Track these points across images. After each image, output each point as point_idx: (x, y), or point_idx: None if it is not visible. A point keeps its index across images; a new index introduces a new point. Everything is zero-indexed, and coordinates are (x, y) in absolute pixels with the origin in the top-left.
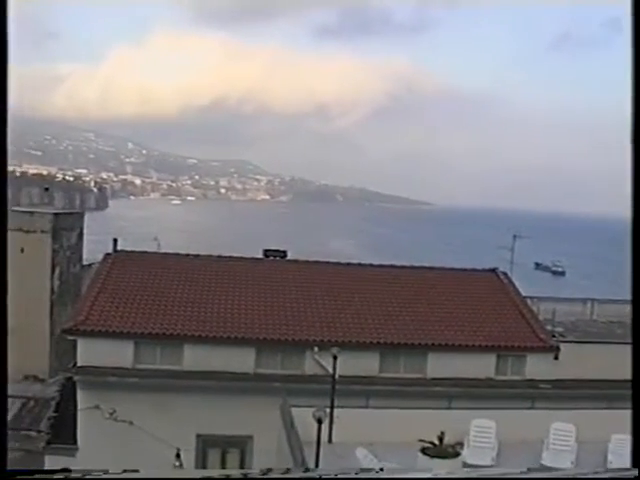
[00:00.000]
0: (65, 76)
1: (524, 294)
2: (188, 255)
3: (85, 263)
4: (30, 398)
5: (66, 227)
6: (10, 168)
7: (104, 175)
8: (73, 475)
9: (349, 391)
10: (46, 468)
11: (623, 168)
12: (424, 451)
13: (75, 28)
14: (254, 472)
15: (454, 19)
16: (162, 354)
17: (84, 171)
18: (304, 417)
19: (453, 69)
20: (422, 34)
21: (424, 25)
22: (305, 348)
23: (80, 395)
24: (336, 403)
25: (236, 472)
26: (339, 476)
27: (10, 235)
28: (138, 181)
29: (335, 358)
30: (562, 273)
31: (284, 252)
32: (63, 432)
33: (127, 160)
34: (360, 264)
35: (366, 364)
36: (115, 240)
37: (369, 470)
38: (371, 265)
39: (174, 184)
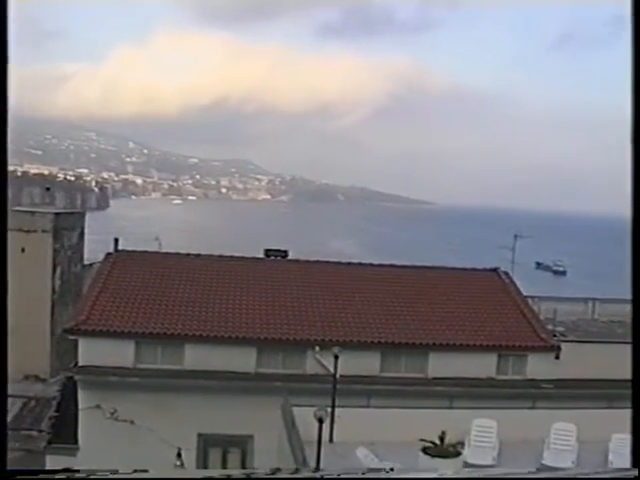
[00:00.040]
0: (67, 76)
1: (525, 294)
2: (189, 255)
3: (86, 263)
4: (31, 398)
5: (67, 227)
6: (11, 168)
7: (105, 175)
8: (77, 475)
9: (350, 390)
10: (47, 468)
11: (624, 167)
12: (425, 451)
13: (77, 28)
14: (257, 472)
15: (456, 19)
16: (163, 354)
17: (85, 171)
18: (305, 416)
19: (455, 69)
20: (424, 34)
21: (426, 25)
22: (306, 347)
23: (81, 395)
24: (337, 402)
25: (237, 472)
26: (342, 476)
27: (11, 235)
28: (139, 181)
29: (336, 357)
30: (563, 273)
31: (285, 252)
32: (64, 432)
33: (128, 160)
34: (361, 264)
35: (367, 363)
36: (116, 240)
37: (372, 470)
38: (372, 265)
39: (175, 184)
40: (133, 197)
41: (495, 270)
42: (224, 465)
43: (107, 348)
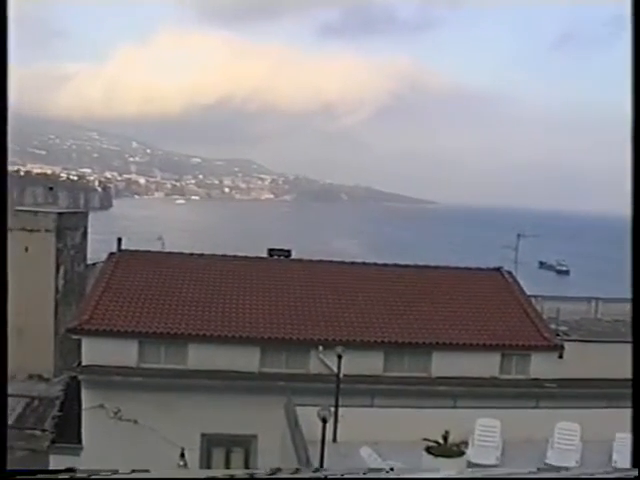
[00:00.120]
0: (69, 75)
1: (528, 293)
2: (192, 254)
3: (89, 262)
4: (34, 397)
5: (70, 226)
6: (14, 167)
7: (108, 174)
8: (79, 475)
9: (354, 390)
10: (50, 468)
11: (625, 166)
12: (429, 450)
13: (79, 27)
14: (259, 472)
15: (457, 18)
16: (167, 353)
17: (88, 170)
18: (309, 416)
19: (456, 68)
20: (426, 33)
21: (427, 24)
22: (310, 347)
23: (84, 394)
24: (341, 402)
25: (240, 472)
26: (345, 476)
27: (15, 234)
28: (142, 180)
29: (340, 357)
30: (566, 272)
31: (288, 251)
32: (67, 431)
33: (131, 159)
34: (364, 263)
35: (371, 363)
36: (119, 239)
37: (379, 470)
38: (375, 264)
39: (178, 183)
40: (136, 197)
41: (498, 269)
42: (227, 465)
43: (110, 348)
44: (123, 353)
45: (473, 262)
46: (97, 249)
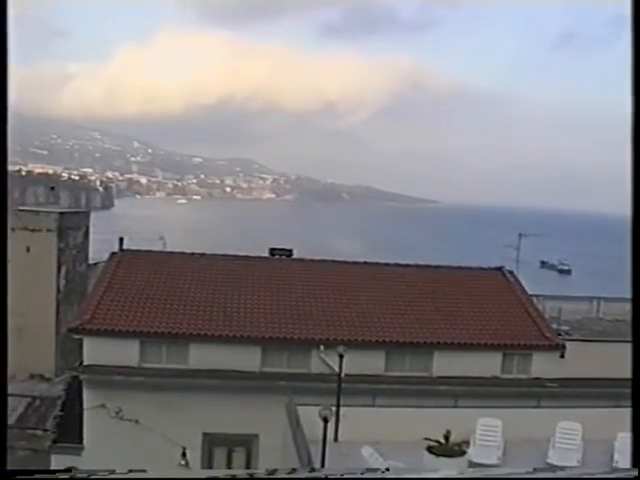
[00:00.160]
0: (71, 75)
1: (530, 292)
2: (194, 254)
3: (91, 262)
4: (36, 397)
5: (72, 226)
6: (16, 167)
7: (110, 174)
8: (78, 475)
9: (355, 390)
10: (51, 468)
11: (627, 166)
12: (430, 450)
13: (80, 27)
14: (260, 472)
15: (458, 18)
16: (168, 353)
17: (90, 170)
18: (310, 416)
19: (458, 68)
20: (427, 33)
21: (428, 24)
22: (311, 347)
23: (86, 394)
24: (342, 402)
25: (242, 472)
26: (345, 476)
27: (16, 234)
28: (144, 180)
29: (341, 357)
30: (568, 271)
31: (290, 251)
32: (69, 431)
33: (133, 159)
34: (366, 263)
35: (372, 363)
36: (121, 239)
37: (375, 470)
38: (376, 264)
39: (180, 183)
40: (138, 196)
41: (500, 269)
42: (229, 464)
43: (112, 347)
44: (124, 353)
45: (474, 261)
46: (99, 249)
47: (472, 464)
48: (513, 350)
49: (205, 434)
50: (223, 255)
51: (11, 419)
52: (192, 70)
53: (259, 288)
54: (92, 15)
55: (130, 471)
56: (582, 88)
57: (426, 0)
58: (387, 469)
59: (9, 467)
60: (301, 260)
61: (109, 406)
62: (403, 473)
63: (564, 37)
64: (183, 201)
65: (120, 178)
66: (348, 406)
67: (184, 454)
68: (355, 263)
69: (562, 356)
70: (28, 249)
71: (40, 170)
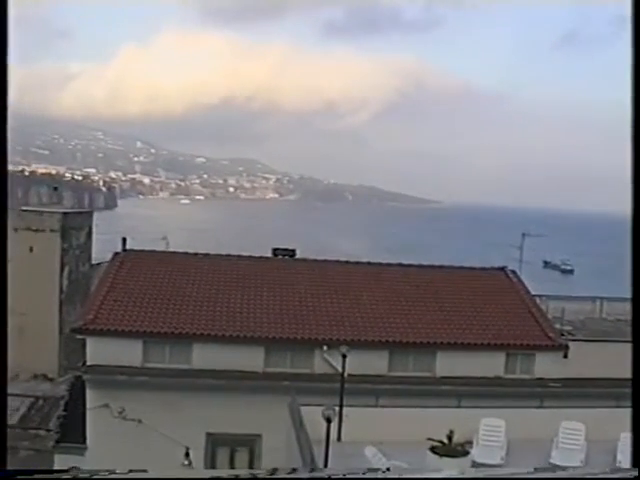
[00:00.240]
0: (73, 75)
1: (533, 292)
2: (197, 254)
3: (94, 262)
4: (39, 397)
5: (75, 226)
6: (19, 167)
7: (113, 174)
8: (81, 475)
9: (358, 390)
10: (54, 468)
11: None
12: (433, 450)
13: (83, 27)
14: (263, 472)
15: (462, 17)
16: (171, 353)
17: (93, 170)
18: (313, 416)
19: (461, 67)
20: (430, 32)
21: (432, 23)
22: (314, 347)
23: (89, 394)
24: (345, 402)
25: (245, 472)
26: (348, 476)
27: (20, 234)
28: (147, 180)
29: (344, 357)
30: (571, 271)
31: (293, 251)
32: (72, 431)
33: (136, 159)
34: (369, 263)
35: (375, 363)
36: (124, 239)
37: (378, 470)
38: (379, 264)
39: (183, 183)
40: (141, 197)
41: (503, 269)
42: (232, 464)
43: (115, 347)
44: (128, 353)
45: (477, 261)
46: (102, 249)
47: (475, 464)
48: (516, 350)
49: (208, 434)
50: (226, 255)
51: (14, 419)
52: (194, 70)
53: (262, 288)
54: (94, 15)
55: (130, 471)
56: (585, 87)
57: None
58: (388, 469)
59: (12, 467)
60: (304, 260)
61: (112, 406)
62: (406, 473)
63: (567, 36)
64: (186, 201)
65: (123, 178)
66: (351, 406)
67: (187, 454)
68: (358, 263)
69: (565, 356)
70: (31, 249)
71: (43, 170)
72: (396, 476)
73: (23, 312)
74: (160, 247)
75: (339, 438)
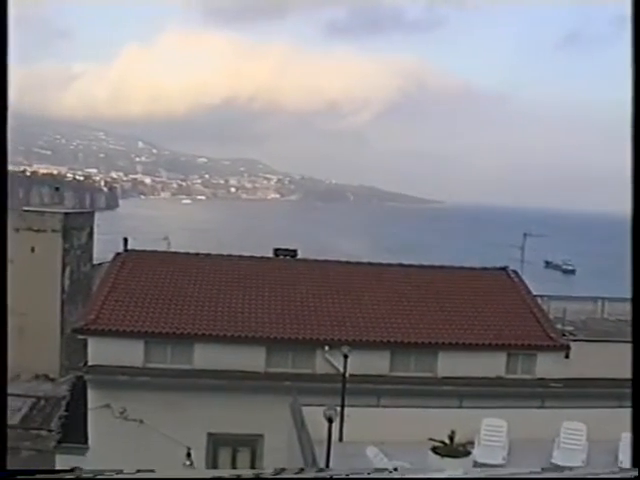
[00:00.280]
0: (76, 75)
1: (534, 293)
2: (198, 254)
3: (95, 262)
4: (41, 397)
5: (76, 226)
6: (21, 168)
7: (114, 174)
8: (84, 475)
9: (360, 390)
10: (55, 468)
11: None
12: (435, 450)
13: (86, 27)
14: (266, 472)
15: (464, 17)
16: (173, 353)
17: (94, 170)
18: (315, 416)
19: (462, 67)
20: (432, 32)
21: (434, 23)
22: (316, 347)
23: (91, 394)
24: (347, 402)
25: (247, 472)
26: (350, 476)
27: (21, 234)
28: (148, 180)
29: (346, 357)
30: (572, 271)
31: (294, 251)
32: (74, 431)
33: (137, 159)
34: (370, 263)
35: (377, 363)
36: (125, 239)
37: (380, 470)
38: (380, 264)
39: (184, 183)
40: (142, 197)
41: (504, 269)
42: (234, 464)
43: (117, 348)
44: (129, 353)
45: (479, 261)
46: (103, 249)
47: (477, 464)
48: (517, 350)
49: (210, 434)
50: (228, 255)
51: (16, 419)
52: (196, 70)
53: (264, 288)
54: (96, 15)
55: (138, 471)
56: (585, 87)
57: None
58: (395, 469)
59: (14, 468)
60: (305, 260)
61: (114, 406)
62: (408, 473)
63: (568, 37)
64: (188, 201)
65: (125, 178)
66: (353, 406)
67: (189, 454)
68: (359, 263)
69: (567, 356)
70: (33, 249)
71: (45, 170)
72: (398, 476)
73: (24, 312)
74: (161, 247)
75: (341, 438)
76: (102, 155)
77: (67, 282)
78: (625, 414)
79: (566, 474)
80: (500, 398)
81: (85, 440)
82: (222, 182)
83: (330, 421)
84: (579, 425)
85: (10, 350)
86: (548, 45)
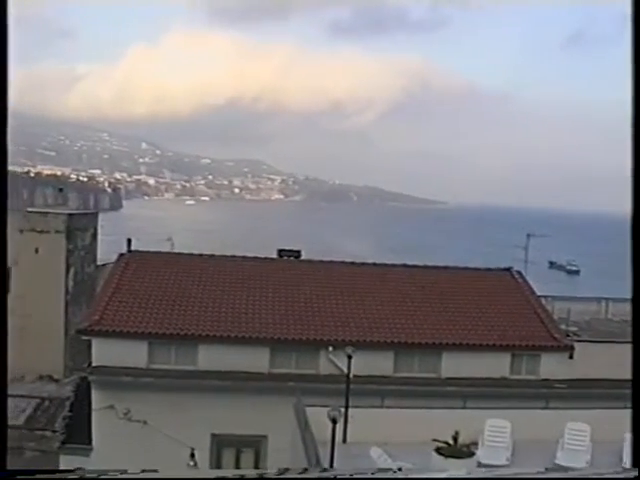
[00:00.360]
0: (80, 76)
1: (539, 293)
2: (202, 255)
3: (99, 263)
4: (45, 398)
5: (80, 227)
6: (25, 169)
7: (118, 175)
8: (88, 475)
9: (364, 391)
10: (60, 468)
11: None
12: (438, 451)
13: (90, 28)
14: (269, 472)
15: (467, 18)
16: (177, 354)
17: (98, 171)
18: (318, 417)
19: (466, 67)
20: (436, 32)
21: (438, 23)
22: (319, 348)
23: (95, 395)
24: (351, 403)
25: (251, 472)
26: (354, 476)
27: (25, 235)
28: (152, 181)
29: (350, 357)
30: (577, 272)
31: (298, 252)
32: (78, 432)
33: (141, 160)
34: (374, 264)
35: (381, 364)
36: (129, 240)
37: (384, 470)
38: (384, 265)
39: (188, 184)
40: (146, 198)
41: (508, 270)
42: (237, 465)
43: (120, 348)
44: (133, 354)
45: (483, 262)
46: (107, 250)
47: (481, 465)
48: (522, 351)
49: (214, 435)
50: (231, 256)
51: (20, 420)
52: (200, 71)
53: (267, 289)
54: (100, 16)
55: (143, 471)
56: (589, 87)
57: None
58: (400, 469)
59: (19, 468)
60: (309, 261)
61: (118, 407)
62: (411, 474)
63: (572, 37)
64: (191, 202)
65: (128, 179)
66: (357, 407)
67: (193, 455)
68: (363, 264)
69: (571, 357)
70: (37, 250)
71: (48, 171)
72: (402, 476)
73: (29, 313)
74: (165, 248)
75: (344, 439)
76: (106, 156)
77: (71, 283)
78: (629, 415)
79: (567, 474)
80: (504, 399)
81: (89, 441)
82: (226, 183)
83: (334, 422)
84: (583, 426)
85: (14, 351)
86: (552, 45)
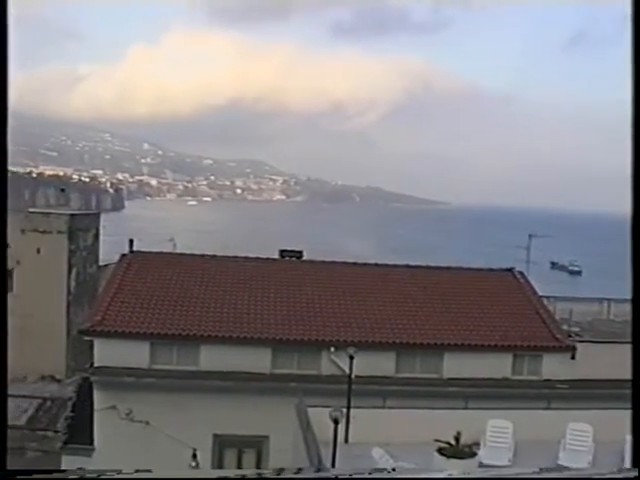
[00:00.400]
0: (82, 77)
1: (541, 294)
2: (204, 256)
3: (101, 264)
4: (47, 398)
5: (82, 228)
6: (27, 169)
7: (120, 176)
8: (88, 475)
9: (365, 391)
10: (62, 469)
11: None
12: (440, 451)
13: (92, 29)
14: (269, 472)
15: (469, 19)
16: (179, 354)
17: (100, 172)
18: (320, 417)
19: (468, 69)
20: (438, 33)
21: (440, 24)
22: (321, 348)
23: (97, 395)
24: (352, 403)
25: (252, 472)
26: (355, 476)
27: (27, 236)
28: (154, 182)
29: (351, 358)
30: (579, 272)
31: (300, 252)
32: (80, 432)
33: (143, 161)
34: (376, 264)
35: (382, 364)
36: (131, 241)
37: (384, 470)
38: (386, 265)
39: (190, 185)
40: (148, 198)
41: (510, 270)
42: (239, 466)
43: (123, 349)
44: (135, 354)
45: (485, 262)
46: (109, 250)
47: (482, 465)
48: (523, 351)
49: (216, 435)
50: (233, 257)
51: (22, 420)
52: (202, 71)
53: (269, 290)
54: (102, 16)
55: (137, 471)
56: (592, 88)
57: (437, 1)
58: (393, 469)
59: (20, 468)
60: (311, 262)
61: (120, 407)
62: (411, 474)
63: (575, 38)
64: (193, 203)
65: (130, 180)
66: (358, 407)
67: (195, 455)
68: (365, 265)
69: (573, 357)
70: (39, 251)
71: (51, 172)
72: (402, 476)
73: (31, 313)
74: (167, 249)
75: (346, 439)
76: (108, 156)
77: (73, 283)
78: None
79: (567, 474)
80: (506, 399)
81: (91, 441)
82: (228, 183)
83: (336, 422)
84: (585, 426)
85: (16, 351)
86: (554, 46)
